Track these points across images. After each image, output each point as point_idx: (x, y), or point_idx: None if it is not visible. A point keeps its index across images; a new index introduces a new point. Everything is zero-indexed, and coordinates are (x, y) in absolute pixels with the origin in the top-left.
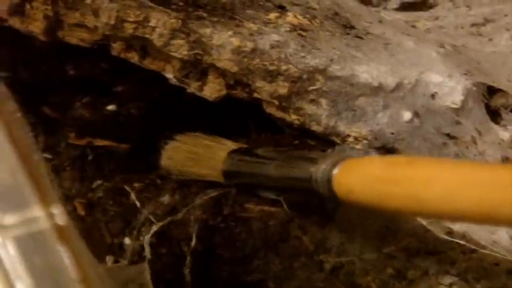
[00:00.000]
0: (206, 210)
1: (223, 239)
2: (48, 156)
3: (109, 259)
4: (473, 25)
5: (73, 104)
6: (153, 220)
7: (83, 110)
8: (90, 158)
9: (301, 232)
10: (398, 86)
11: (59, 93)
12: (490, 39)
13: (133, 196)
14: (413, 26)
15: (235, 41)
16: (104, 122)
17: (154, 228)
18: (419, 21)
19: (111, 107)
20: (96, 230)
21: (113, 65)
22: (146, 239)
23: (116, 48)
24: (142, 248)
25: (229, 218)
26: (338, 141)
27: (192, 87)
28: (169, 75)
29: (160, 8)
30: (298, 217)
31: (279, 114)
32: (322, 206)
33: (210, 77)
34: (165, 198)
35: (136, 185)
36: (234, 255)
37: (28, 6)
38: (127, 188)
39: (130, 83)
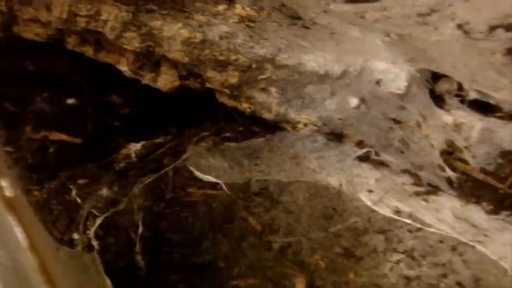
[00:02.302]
0: (148, 198)
1: (171, 223)
2: (10, 149)
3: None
4: (419, 15)
5: (34, 98)
6: (96, 213)
7: (43, 104)
8: (50, 150)
9: (247, 213)
10: (344, 74)
11: (19, 88)
12: (436, 28)
13: (73, 193)
14: (362, 17)
15: (185, 33)
16: (61, 116)
17: (99, 221)
18: (368, 12)
19: (71, 101)
20: (46, 228)
21: (72, 59)
22: (92, 231)
23: (71, 42)
24: (90, 240)
25: (173, 203)
26: (288, 128)
27: (146, 78)
28: (124, 68)
29: (111, 1)
30: (241, 199)
31: (231, 103)
32: None
33: (163, 69)
34: (104, 192)
35: (80, 181)
36: (183, 239)
37: None
38: (69, 185)
39: (90, 76)
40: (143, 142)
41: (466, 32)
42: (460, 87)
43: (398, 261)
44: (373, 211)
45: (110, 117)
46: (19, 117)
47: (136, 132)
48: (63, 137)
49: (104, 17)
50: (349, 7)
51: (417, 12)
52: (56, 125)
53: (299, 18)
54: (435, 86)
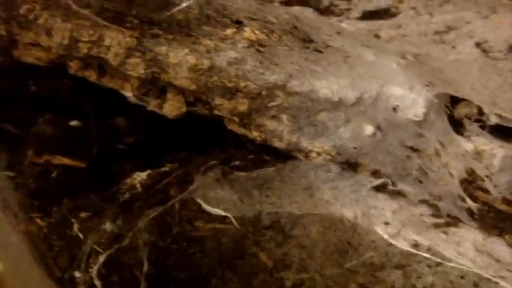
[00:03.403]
0: (153, 232)
1: (177, 260)
2: (11, 174)
3: None
4: (436, 33)
5: (36, 120)
6: (99, 250)
7: (46, 126)
8: (53, 175)
9: (257, 248)
10: (359, 100)
11: (21, 110)
12: (453, 47)
13: (75, 228)
14: (376, 35)
15: (192, 59)
16: (65, 138)
17: (102, 258)
18: (382, 30)
19: (74, 123)
20: (45, 265)
21: (76, 81)
22: (94, 270)
23: (73, 67)
24: (93, 279)
25: (180, 238)
26: (301, 157)
27: (152, 105)
28: (128, 94)
29: (115, 26)
30: (251, 233)
31: (240, 130)
32: None
33: (169, 95)
34: (108, 226)
35: (82, 214)
36: (190, 276)
37: None
38: (71, 219)
39: (94, 98)
40: (149, 171)
41: (484, 51)
42: (480, 111)
43: None
44: (391, 245)
45: (115, 141)
46: (21, 140)
47: (141, 159)
48: (67, 161)
49: (107, 42)
50: (363, 24)
51: (434, 30)
52: (59, 148)
53: (311, 41)
54: (454, 111)
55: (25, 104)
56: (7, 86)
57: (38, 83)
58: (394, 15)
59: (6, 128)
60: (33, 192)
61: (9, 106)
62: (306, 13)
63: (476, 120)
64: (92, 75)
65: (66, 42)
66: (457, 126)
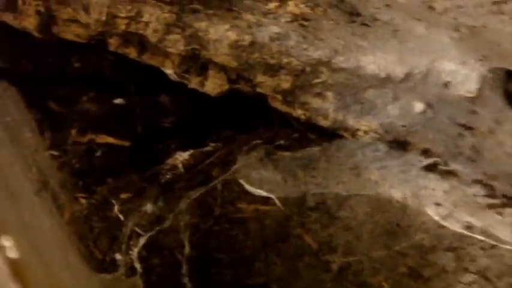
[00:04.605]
0: (195, 214)
1: (220, 242)
2: (55, 153)
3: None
4: (494, 3)
5: (80, 98)
6: (140, 232)
7: (89, 104)
8: (98, 154)
9: (302, 230)
10: (408, 76)
11: (65, 87)
12: None
13: (116, 209)
14: (430, 7)
15: (233, 35)
16: (109, 117)
17: (142, 240)
18: (437, 1)
19: (118, 101)
20: (86, 247)
21: (119, 58)
22: (135, 252)
23: (113, 43)
24: (133, 262)
25: (222, 220)
26: (347, 136)
27: (193, 82)
28: (169, 71)
29: (153, 1)
30: (296, 214)
31: (284, 108)
32: None
33: (211, 72)
34: (148, 207)
35: (123, 195)
36: (233, 259)
37: (20, 2)
38: (112, 200)
39: (137, 76)
40: (191, 151)
41: None
42: None
43: (470, 283)
44: (442, 226)
45: (159, 119)
46: (65, 118)
47: (184, 138)
48: (111, 140)
49: (145, 18)
50: None
51: (492, 0)
52: (103, 127)
53: (358, 14)
54: (510, 86)
55: (68, 82)
56: (50, 63)
57: (82, 60)
58: None
59: (49, 106)
60: (77, 172)
61: (53, 83)
62: None
63: None
64: (132, 52)
65: (103, 18)
66: None
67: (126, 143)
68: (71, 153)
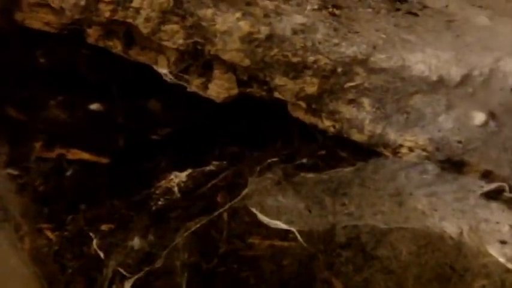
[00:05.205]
0: (194, 251)
1: (226, 287)
2: (14, 172)
3: None
4: None
5: (46, 103)
6: (125, 273)
7: (58, 110)
8: (68, 174)
9: (330, 273)
10: (466, 79)
11: (27, 89)
12: None
13: (95, 244)
14: None
15: (245, 26)
16: (83, 126)
17: (128, 284)
18: None
19: (95, 106)
20: None
21: (97, 53)
22: None
23: (92, 34)
24: None
25: (230, 259)
26: (388, 154)
27: (194, 85)
28: (163, 70)
29: None
30: (322, 253)
31: (308, 118)
32: None
33: (216, 72)
34: (136, 242)
35: (103, 227)
36: None
37: None
38: (90, 233)
39: (120, 76)
40: (189, 171)
41: None
42: None
43: None
44: (508, 271)
45: (147, 130)
46: (26, 128)
47: (180, 155)
48: (86, 155)
49: (135, 3)
50: None
51: None
52: (75, 139)
53: (404, 0)
54: None
55: (32, 82)
56: (9, 58)
57: (49, 54)
58: None
59: (7, 113)
60: (42, 197)
61: (12, 84)
62: None
63: None
64: (116, 46)
65: (82, 3)
66: None
67: (105, 160)
68: (35, 173)
